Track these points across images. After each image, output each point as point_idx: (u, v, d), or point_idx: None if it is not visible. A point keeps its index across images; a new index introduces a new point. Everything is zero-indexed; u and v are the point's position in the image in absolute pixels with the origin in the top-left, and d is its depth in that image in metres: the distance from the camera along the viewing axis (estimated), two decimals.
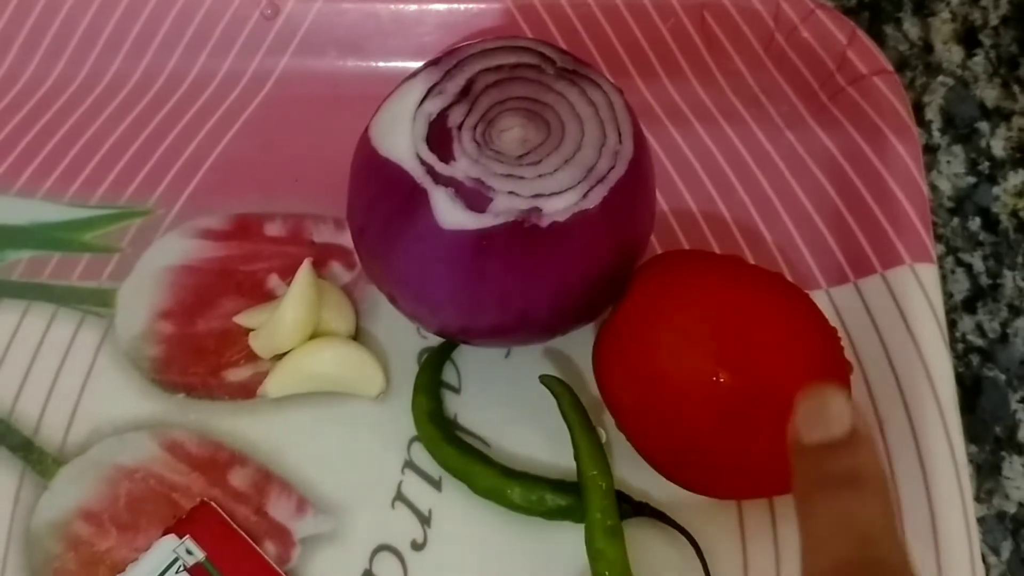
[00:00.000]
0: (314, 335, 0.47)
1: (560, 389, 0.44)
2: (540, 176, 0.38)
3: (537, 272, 0.38)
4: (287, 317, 0.45)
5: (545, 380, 0.44)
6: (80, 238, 0.50)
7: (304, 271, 0.46)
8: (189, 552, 0.43)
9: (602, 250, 0.39)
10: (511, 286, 0.39)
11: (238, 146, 0.52)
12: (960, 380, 0.48)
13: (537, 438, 0.46)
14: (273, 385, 0.46)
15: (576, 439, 0.43)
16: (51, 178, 0.52)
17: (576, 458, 0.43)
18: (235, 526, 0.43)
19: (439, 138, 0.39)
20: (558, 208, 0.37)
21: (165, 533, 0.43)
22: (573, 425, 0.43)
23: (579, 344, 0.46)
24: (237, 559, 0.43)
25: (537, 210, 0.37)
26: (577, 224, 0.38)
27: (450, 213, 0.38)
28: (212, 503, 0.44)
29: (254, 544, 0.43)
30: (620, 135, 0.39)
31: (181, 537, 0.43)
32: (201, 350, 0.47)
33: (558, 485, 0.44)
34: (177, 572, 0.42)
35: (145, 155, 0.52)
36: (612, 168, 0.39)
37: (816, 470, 0.32)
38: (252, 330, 0.47)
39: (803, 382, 0.38)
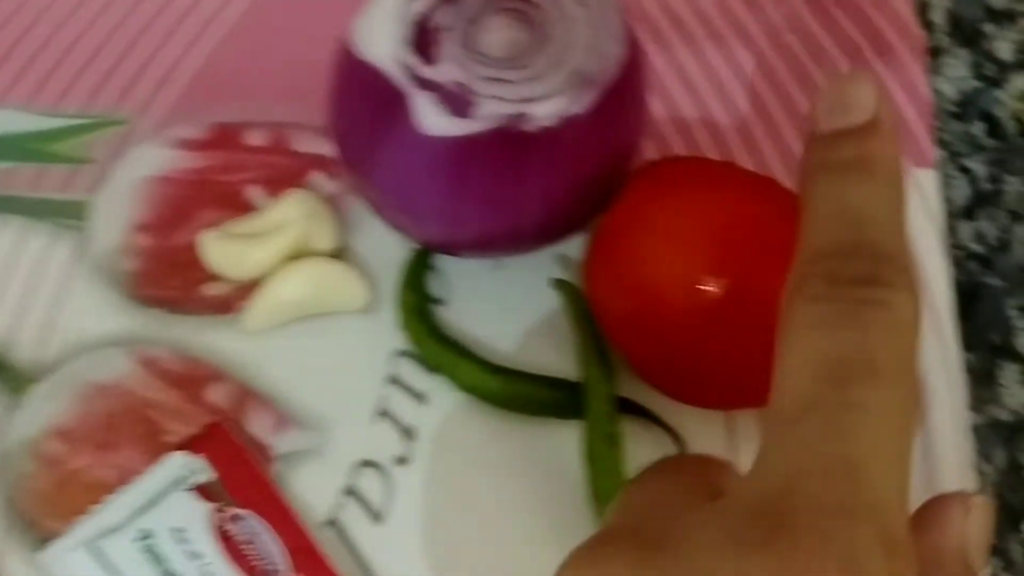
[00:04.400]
0: (297, 252, 0.45)
1: (570, 293, 0.43)
2: (528, 80, 0.36)
3: (524, 180, 0.37)
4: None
5: (556, 284, 0.44)
6: (52, 148, 0.48)
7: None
8: (198, 471, 0.42)
9: (592, 156, 0.37)
10: (497, 195, 0.37)
11: (217, 51, 0.50)
12: (957, 287, 0.47)
13: (526, 349, 0.45)
14: (253, 320, 0.45)
15: (582, 343, 0.42)
16: (20, 86, 0.50)
17: (580, 363, 0.43)
18: (246, 449, 0.43)
19: (422, 40, 0.37)
20: (546, 113, 0.36)
21: (178, 449, 0.42)
22: (580, 329, 0.43)
23: (568, 254, 0.45)
24: (244, 482, 0.42)
25: (524, 115, 0.36)
26: (566, 129, 0.36)
27: (433, 119, 0.36)
28: (226, 423, 0.43)
29: (263, 468, 0.42)
30: (612, 36, 0.37)
31: (192, 454, 0.42)
32: (179, 264, 0.46)
33: (542, 380, 0.43)
34: (183, 490, 0.41)
35: (119, 61, 0.50)
36: (603, 71, 0.37)
37: (825, 155, 0.30)
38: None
39: None
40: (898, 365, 0.26)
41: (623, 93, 0.38)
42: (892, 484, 0.24)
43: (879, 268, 0.27)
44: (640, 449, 0.43)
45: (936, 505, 0.28)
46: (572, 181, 0.38)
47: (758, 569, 0.23)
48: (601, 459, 0.41)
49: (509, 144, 0.36)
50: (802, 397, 0.25)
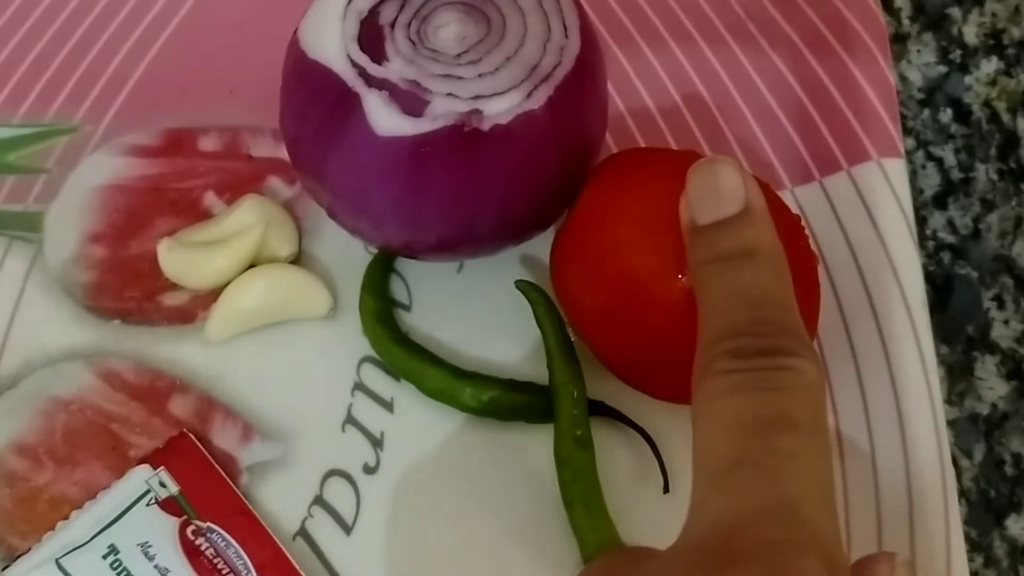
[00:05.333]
0: (256, 258, 0.44)
1: (535, 295, 0.42)
2: (480, 76, 0.36)
3: (481, 179, 0.36)
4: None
5: (521, 285, 0.43)
6: (3, 159, 0.47)
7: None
8: (162, 484, 0.41)
9: (550, 153, 0.37)
10: (454, 195, 0.36)
11: (168, 55, 0.49)
12: (931, 279, 0.46)
13: (493, 353, 0.44)
14: (214, 329, 0.44)
15: (549, 345, 0.42)
16: None
17: (548, 365, 0.42)
18: (212, 460, 0.42)
19: (371, 37, 0.36)
20: (500, 110, 0.35)
21: (141, 463, 0.41)
22: (547, 331, 0.42)
23: (534, 254, 0.45)
24: (211, 495, 0.41)
25: (478, 112, 0.35)
26: (521, 126, 0.35)
27: (385, 118, 0.35)
28: (191, 435, 0.42)
29: (230, 480, 0.41)
30: (566, 29, 0.37)
31: (156, 468, 0.41)
32: (136, 274, 0.45)
33: (510, 384, 0.42)
34: (148, 504, 0.40)
35: (70, 68, 0.49)
36: (557, 65, 0.36)
37: (710, 248, 0.33)
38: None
39: None
40: (812, 418, 0.28)
41: (580, 87, 0.37)
42: (826, 519, 0.26)
43: (779, 339, 0.29)
44: (612, 451, 0.42)
45: (866, 563, 0.31)
46: (531, 178, 0.37)
47: None
48: (573, 463, 0.40)
49: (464, 142, 0.35)
50: (729, 454, 0.27)
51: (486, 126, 0.35)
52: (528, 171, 0.37)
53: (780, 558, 0.25)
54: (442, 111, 0.35)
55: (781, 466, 0.26)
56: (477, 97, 0.35)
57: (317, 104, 0.36)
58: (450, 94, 0.35)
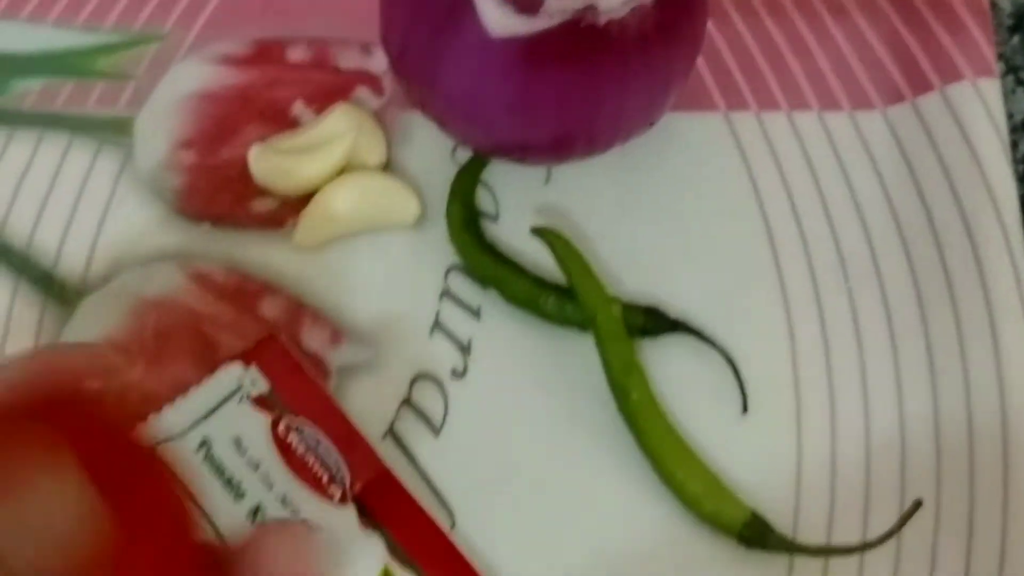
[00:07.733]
0: (346, 166, 0.44)
1: (551, 237, 0.42)
2: None
3: (597, 75, 0.36)
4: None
5: (536, 231, 0.43)
6: (94, 65, 0.47)
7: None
8: (253, 382, 0.41)
9: (659, 48, 0.36)
10: (571, 93, 0.36)
11: None
12: (1021, 203, 0.46)
13: None
14: (304, 235, 0.44)
15: (578, 284, 0.42)
16: (60, 2, 0.49)
17: (582, 305, 0.42)
18: (301, 360, 0.42)
19: None
20: (615, 4, 0.35)
21: (231, 360, 0.41)
22: (572, 271, 0.42)
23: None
24: (301, 394, 0.41)
25: (592, 8, 0.35)
26: (634, 20, 0.35)
27: (499, 18, 0.35)
28: (280, 335, 0.42)
29: (318, 380, 0.42)
30: None
31: (247, 366, 0.41)
32: (226, 179, 0.45)
33: None
34: (239, 402, 0.40)
35: None
36: None
37: None
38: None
39: None
40: None
41: None
42: None
43: None
44: (690, 371, 0.42)
45: None
46: (643, 73, 0.37)
47: None
48: (626, 385, 0.41)
49: (580, 38, 0.35)
50: None
51: (601, 21, 0.35)
52: (641, 65, 0.36)
53: None
54: (557, 7, 0.35)
55: None
56: None
57: (427, 12, 0.36)
58: None
